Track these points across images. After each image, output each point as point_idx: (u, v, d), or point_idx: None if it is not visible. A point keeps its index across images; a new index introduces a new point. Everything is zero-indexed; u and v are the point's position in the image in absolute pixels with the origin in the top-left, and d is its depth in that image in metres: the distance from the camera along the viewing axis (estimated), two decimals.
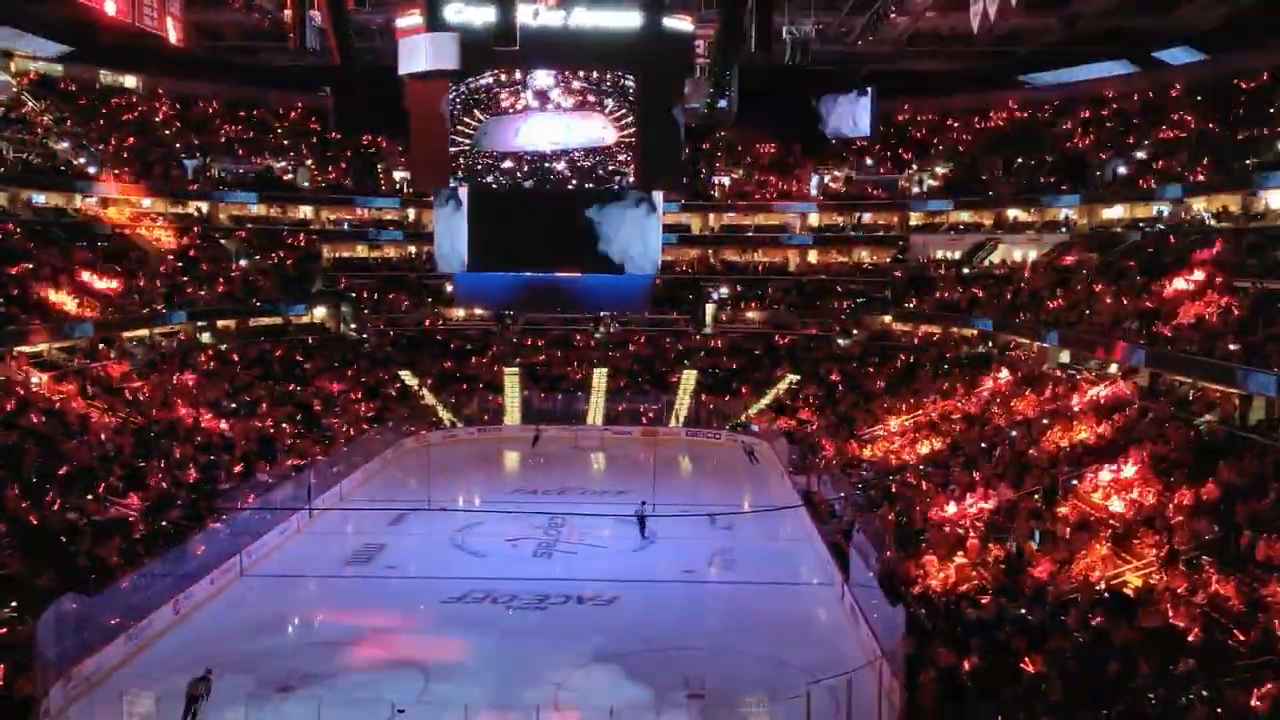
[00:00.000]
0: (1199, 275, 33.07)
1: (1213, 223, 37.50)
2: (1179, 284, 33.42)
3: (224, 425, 37.23)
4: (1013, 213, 50.07)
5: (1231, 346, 27.34)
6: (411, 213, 55.52)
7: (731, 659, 21.29)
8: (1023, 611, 20.48)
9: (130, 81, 54.19)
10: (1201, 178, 38.79)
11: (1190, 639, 17.66)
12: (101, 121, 50.20)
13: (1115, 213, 44.99)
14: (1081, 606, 19.74)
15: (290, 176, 54.25)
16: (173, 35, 23.51)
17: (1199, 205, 39.51)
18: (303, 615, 24.49)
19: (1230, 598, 18.60)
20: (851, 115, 31.23)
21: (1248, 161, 36.95)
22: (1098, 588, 20.50)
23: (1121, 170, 44.37)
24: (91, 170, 46.07)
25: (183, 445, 33.86)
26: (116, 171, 47.14)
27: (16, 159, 42.39)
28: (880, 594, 20.95)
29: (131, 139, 50.19)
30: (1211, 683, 16.23)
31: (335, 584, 26.32)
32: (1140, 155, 44.17)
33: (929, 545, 25.34)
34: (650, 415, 46.17)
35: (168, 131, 53.03)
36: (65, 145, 45.87)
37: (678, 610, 24.32)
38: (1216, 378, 27.82)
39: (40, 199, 43.73)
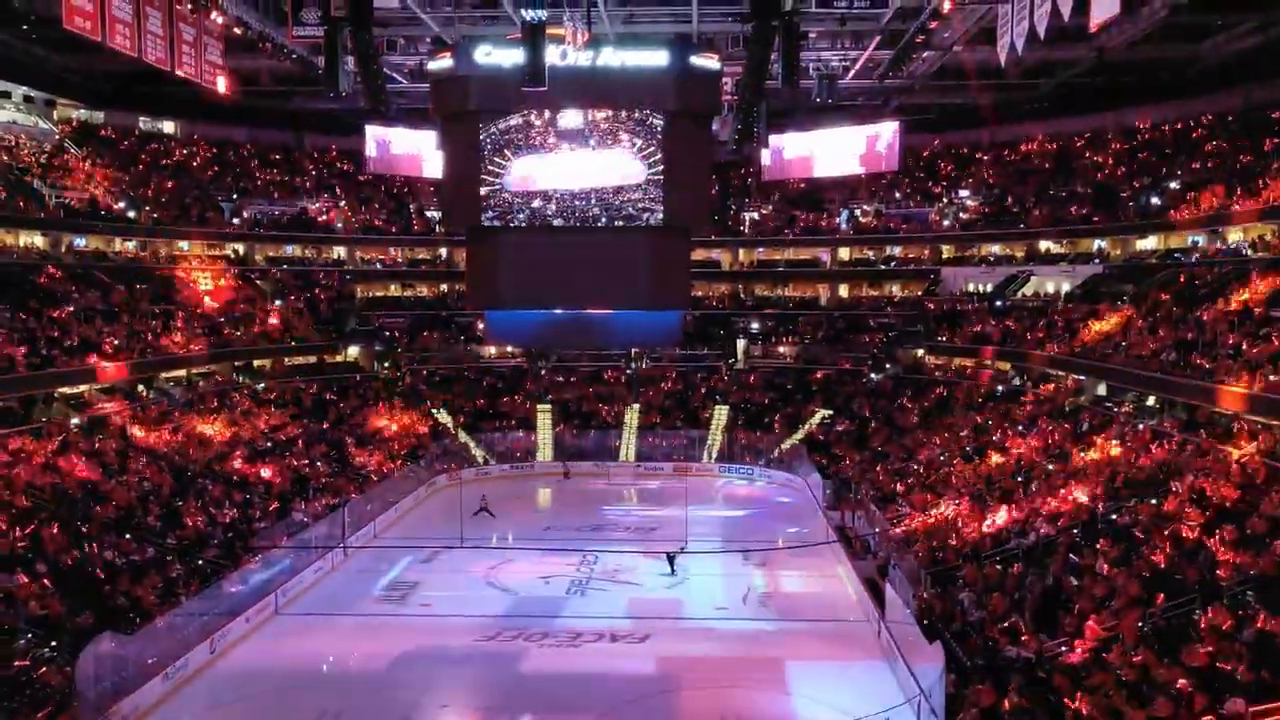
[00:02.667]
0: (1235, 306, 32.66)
1: (1249, 252, 37.03)
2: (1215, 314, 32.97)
3: (260, 464, 37.50)
4: (1045, 245, 49.81)
5: (1271, 377, 26.89)
6: (444, 251, 56.18)
7: (768, 697, 21.06)
8: (1063, 648, 20.13)
9: (168, 127, 55.38)
10: (1236, 207, 38.35)
11: (1238, 677, 17.23)
12: (140, 167, 51.26)
13: (1149, 244, 44.63)
14: (1124, 643, 19.36)
15: (324, 218, 55.03)
16: (220, 85, 24.01)
17: (1235, 236, 39.06)
18: (337, 653, 24.49)
19: (1278, 634, 18.15)
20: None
21: None
22: (1139, 624, 20.09)
23: (1155, 201, 44.01)
24: (130, 215, 46.96)
25: (218, 484, 34.17)
26: (156, 215, 48.01)
27: (59, 204, 43.28)
28: (918, 631, 20.67)
29: (170, 183, 51.16)
30: None
31: (369, 622, 26.34)
32: (1173, 185, 43.81)
33: (965, 581, 24.99)
34: (683, 452, 46.03)
35: (205, 175, 54.04)
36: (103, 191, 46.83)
37: (712, 648, 24.11)
38: (1258, 409, 27.32)
39: (81, 242, 44.56)
